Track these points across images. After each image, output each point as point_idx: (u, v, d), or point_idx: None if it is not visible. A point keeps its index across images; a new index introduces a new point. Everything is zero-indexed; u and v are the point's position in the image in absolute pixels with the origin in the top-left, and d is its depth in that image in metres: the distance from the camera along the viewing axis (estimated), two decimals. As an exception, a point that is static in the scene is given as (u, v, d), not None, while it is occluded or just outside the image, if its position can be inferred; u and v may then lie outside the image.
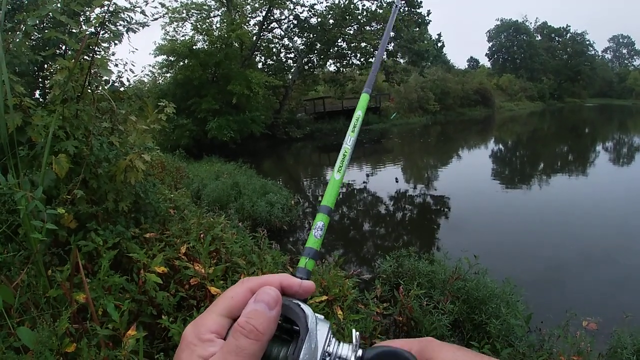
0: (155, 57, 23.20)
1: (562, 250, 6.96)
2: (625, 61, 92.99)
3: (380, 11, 25.02)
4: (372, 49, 26.78)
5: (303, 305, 0.48)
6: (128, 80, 4.22)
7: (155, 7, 20.70)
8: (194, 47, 21.86)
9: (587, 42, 70.34)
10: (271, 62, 28.11)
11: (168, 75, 23.74)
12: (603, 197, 10.66)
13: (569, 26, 70.95)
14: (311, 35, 26.12)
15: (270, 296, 0.45)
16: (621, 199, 10.15)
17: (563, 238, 7.58)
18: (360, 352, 0.47)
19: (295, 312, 0.47)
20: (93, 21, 3.29)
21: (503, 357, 3.45)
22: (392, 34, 25.96)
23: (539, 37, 71.67)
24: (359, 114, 0.73)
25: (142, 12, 4.52)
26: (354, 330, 0.50)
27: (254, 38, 24.90)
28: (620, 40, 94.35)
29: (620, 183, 12.52)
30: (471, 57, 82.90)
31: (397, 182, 13.72)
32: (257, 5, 24.87)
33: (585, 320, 3.81)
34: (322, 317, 0.49)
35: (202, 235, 3.78)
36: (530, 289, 4.65)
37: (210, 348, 0.43)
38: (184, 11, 23.12)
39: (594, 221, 8.57)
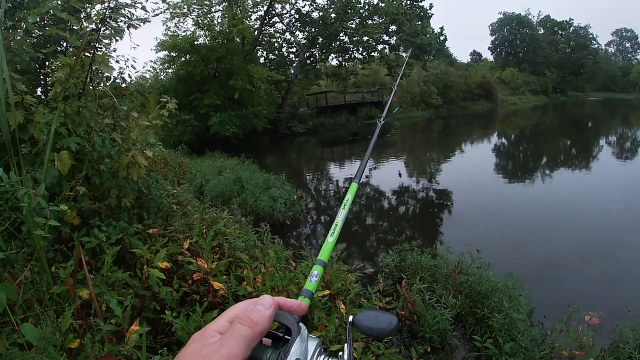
0: (156, 52, 23.17)
1: (564, 244, 6.95)
2: (629, 55, 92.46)
3: (382, 4, 24.92)
4: (374, 43, 26.71)
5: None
6: (130, 77, 4.23)
7: (156, 3, 20.65)
8: (196, 43, 21.80)
9: (590, 36, 69.82)
10: (273, 56, 28.04)
11: (170, 71, 23.68)
12: (606, 191, 10.63)
13: (572, 19, 70.65)
14: (313, 30, 26.01)
15: (266, 300, 0.54)
16: (624, 193, 10.12)
17: (566, 232, 7.56)
18: None
19: (288, 319, 0.54)
20: (94, 18, 3.29)
21: (505, 351, 3.46)
22: (394, 27, 26.10)
23: (542, 31, 71.19)
24: (348, 197, 0.94)
25: (143, 8, 4.52)
26: (345, 345, 0.58)
27: (256, 33, 24.82)
28: (624, 33, 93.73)
29: (623, 177, 12.48)
30: (474, 51, 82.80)
31: (400, 176, 13.72)
32: (258, 0, 24.79)
33: (588, 314, 3.81)
34: (314, 336, 0.56)
35: (204, 231, 3.79)
36: (532, 283, 4.66)
37: (211, 339, 0.50)
38: (185, 6, 23.03)
39: (597, 215, 8.55)
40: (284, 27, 27.13)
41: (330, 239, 0.81)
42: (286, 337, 0.53)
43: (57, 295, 2.39)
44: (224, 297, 2.94)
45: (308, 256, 4.40)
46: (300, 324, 0.54)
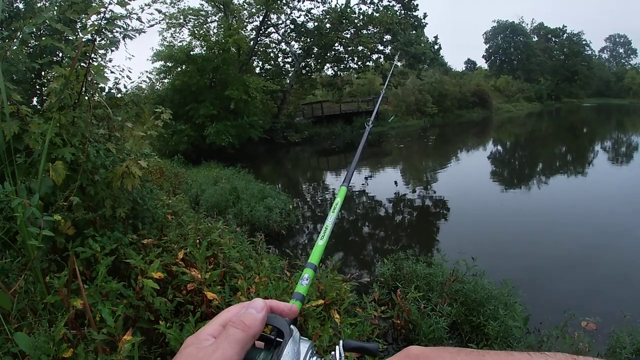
0: (153, 63, 23.23)
1: (560, 251, 6.95)
2: (622, 60, 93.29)
3: (377, 15, 25.11)
4: (369, 52, 26.87)
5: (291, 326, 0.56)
6: (125, 87, 4.24)
7: (152, 14, 20.74)
8: (192, 53, 21.87)
9: (584, 42, 70.39)
10: (269, 66, 28.20)
11: (166, 81, 23.72)
12: (600, 196, 10.66)
13: (566, 26, 71.10)
14: (308, 40, 26.18)
15: (258, 303, 0.55)
16: (618, 198, 10.15)
17: (561, 237, 7.57)
18: None
19: (281, 321, 0.55)
20: (89, 28, 3.30)
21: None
22: (388, 37, 26.28)
23: (536, 38, 71.84)
24: (337, 200, 0.98)
25: (139, 19, 4.55)
26: (340, 343, 0.58)
27: (251, 43, 24.94)
28: (617, 39, 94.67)
29: (616, 182, 12.50)
30: (468, 59, 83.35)
31: (396, 185, 13.74)
32: (254, 10, 24.91)
33: (584, 320, 3.81)
34: (306, 338, 0.56)
35: (199, 241, 3.79)
36: (529, 290, 4.65)
37: (205, 343, 0.50)
38: (181, 17, 23.15)
39: (593, 220, 8.57)
40: (280, 37, 27.34)
41: (321, 242, 0.81)
42: (278, 339, 0.54)
43: (51, 305, 2.38)
44: (218, 307, 2.94)
45: (303, 265, 4.39)
46: (292, 326, 0.55)
